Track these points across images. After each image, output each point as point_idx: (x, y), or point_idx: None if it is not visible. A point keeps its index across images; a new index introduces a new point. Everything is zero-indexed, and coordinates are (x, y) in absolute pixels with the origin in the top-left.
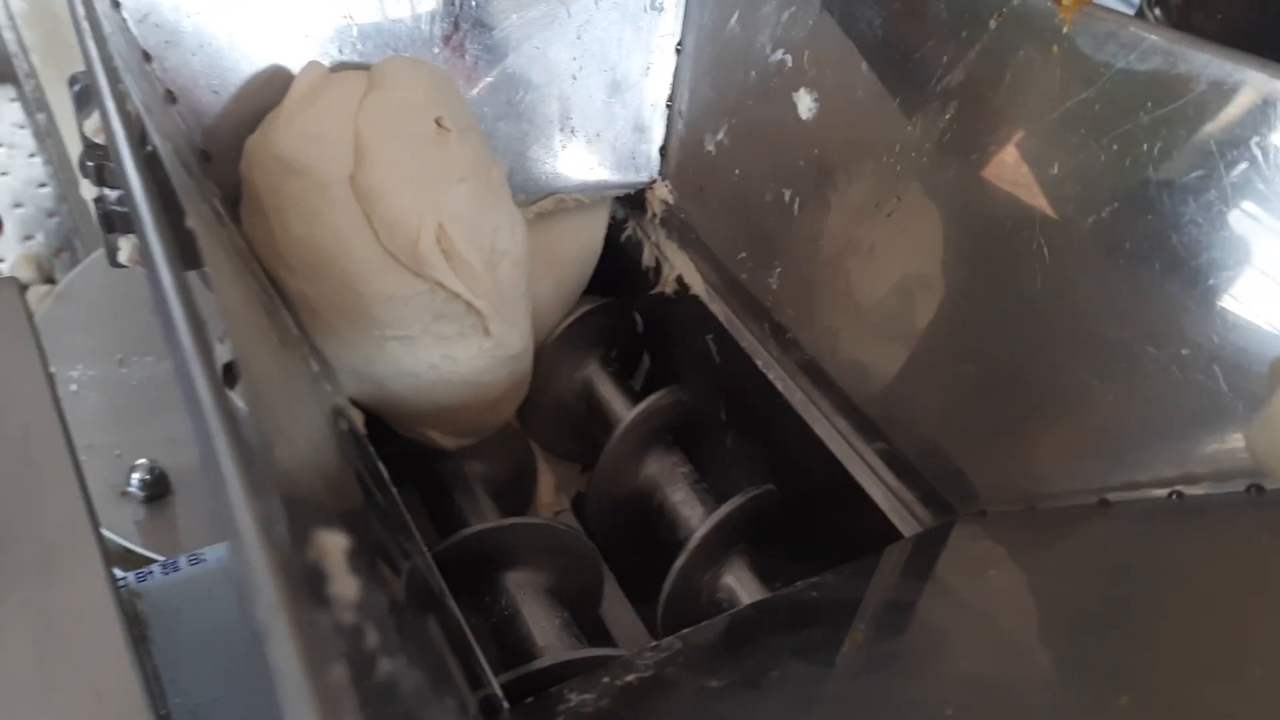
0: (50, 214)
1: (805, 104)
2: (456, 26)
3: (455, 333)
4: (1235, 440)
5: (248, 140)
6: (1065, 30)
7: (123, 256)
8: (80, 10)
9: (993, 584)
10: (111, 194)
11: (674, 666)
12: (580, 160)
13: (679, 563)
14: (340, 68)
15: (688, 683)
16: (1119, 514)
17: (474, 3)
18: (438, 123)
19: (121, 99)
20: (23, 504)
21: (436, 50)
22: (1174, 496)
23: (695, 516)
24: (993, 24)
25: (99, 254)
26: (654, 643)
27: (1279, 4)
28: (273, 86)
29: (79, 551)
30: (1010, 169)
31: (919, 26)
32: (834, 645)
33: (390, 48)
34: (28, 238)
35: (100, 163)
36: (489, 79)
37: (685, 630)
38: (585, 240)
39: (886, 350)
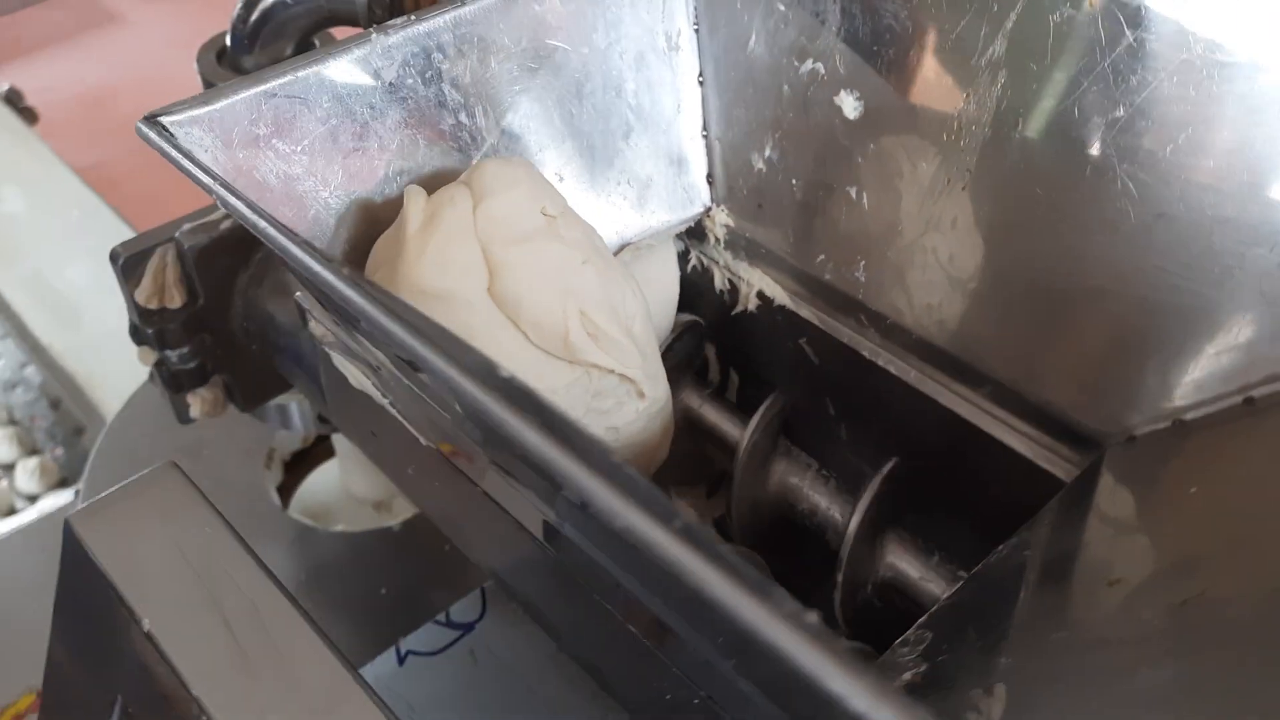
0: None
1: (849, 105)
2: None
3: (614, 404)
4: None
5: (375, 279)
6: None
7: (194, 412)
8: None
9: (1185, 500)
10: (174, 355)
11: (946, 657)
12: (640, 208)
13: (845, 552)
14: (431, 180)
15: (973, 669)
16: (1264, 406)
17: (512, 95)
18: (544, 213)
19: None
20: (286, 678)
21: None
22: None
23: (837, 508)
24: None
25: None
26: (902, 638)
27: None
28: (358, 221)
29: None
30: (1076, 123)
31: (946, 7)
32: (1094, 599)
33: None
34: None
35: (160, 327)
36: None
37: (922, 620)
38: (665, 281)
39: (992, 309)
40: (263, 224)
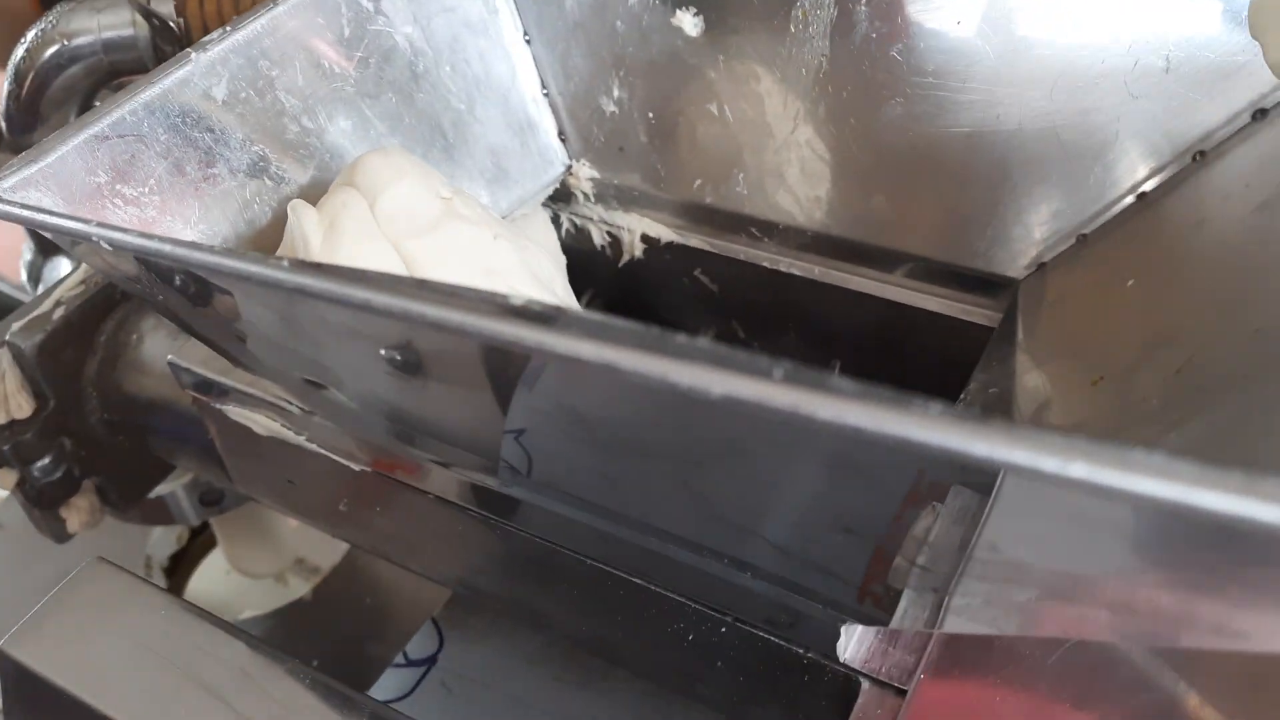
0: None
1: (689, 23)
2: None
3: None
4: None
5: None
6: None
7: (72, 526)
8: None
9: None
10: (35, 469)
11: None
12: (501, 180)
13: None
14: (296, 193)
15: None
16: (1157, 197)
17: (350, 89)
18: (440, 196)
19: None
20: None
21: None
22: (1198, 155)
23: None
24: None
25: None
26: None
27: None
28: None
29: None
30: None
31: None
32: (1085, 402)
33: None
34: None
35: (13, 442)
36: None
37: None
38: (549, 248)
39: (878, 183)
40: (168, 247)
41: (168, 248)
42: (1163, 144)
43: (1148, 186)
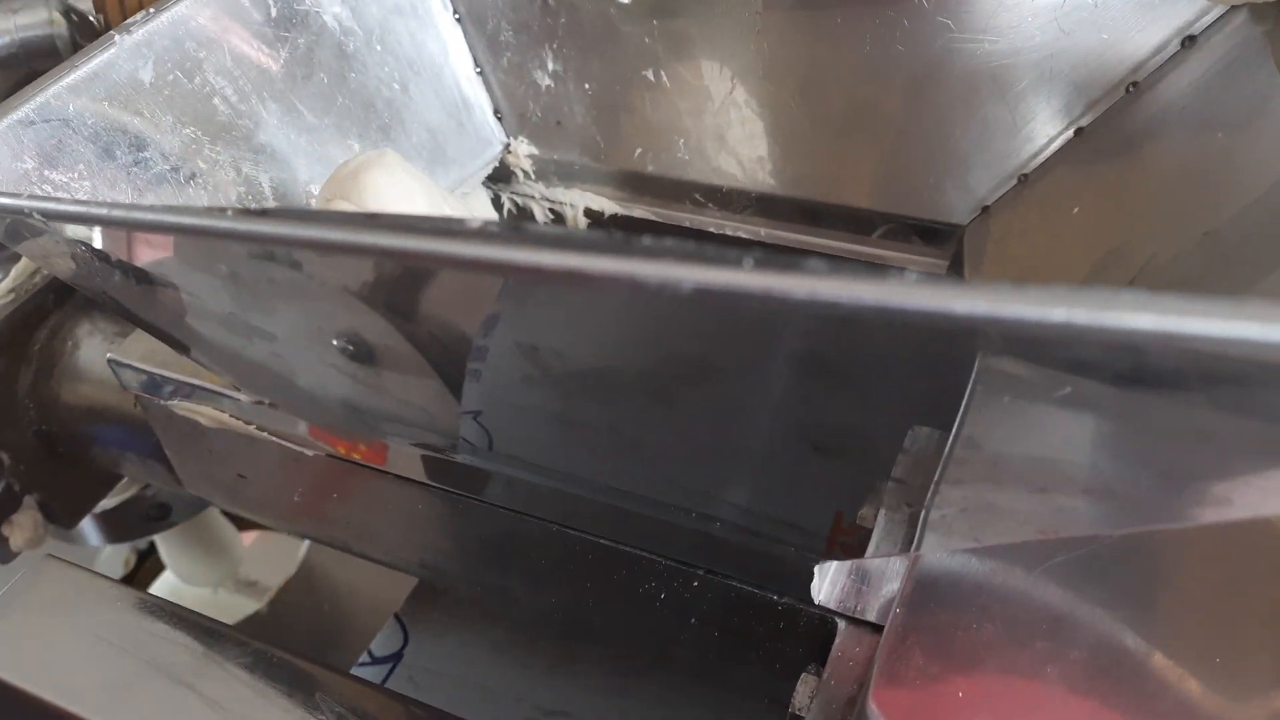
0: None
1: None
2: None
3: None
4: (1156, 21)
5: None
6: None
7: (16, 543)
8: None
9: (1073, 219)
10: None
11: None
12: (439, 160)
13: None
14: (226, 176)
15: None
16: (1095, 130)
17: (280, 70)
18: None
19: None
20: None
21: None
22: (1131, 87)
23: None
24: None
25: None
26: None
27: None
28: None
29: None
30: None
31: None
32: None
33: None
34: None
35: None
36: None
37: None
38: None
39: (818, 141)
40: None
41: (105, 211)
42: (1096, 78)
43: (1084, 122)
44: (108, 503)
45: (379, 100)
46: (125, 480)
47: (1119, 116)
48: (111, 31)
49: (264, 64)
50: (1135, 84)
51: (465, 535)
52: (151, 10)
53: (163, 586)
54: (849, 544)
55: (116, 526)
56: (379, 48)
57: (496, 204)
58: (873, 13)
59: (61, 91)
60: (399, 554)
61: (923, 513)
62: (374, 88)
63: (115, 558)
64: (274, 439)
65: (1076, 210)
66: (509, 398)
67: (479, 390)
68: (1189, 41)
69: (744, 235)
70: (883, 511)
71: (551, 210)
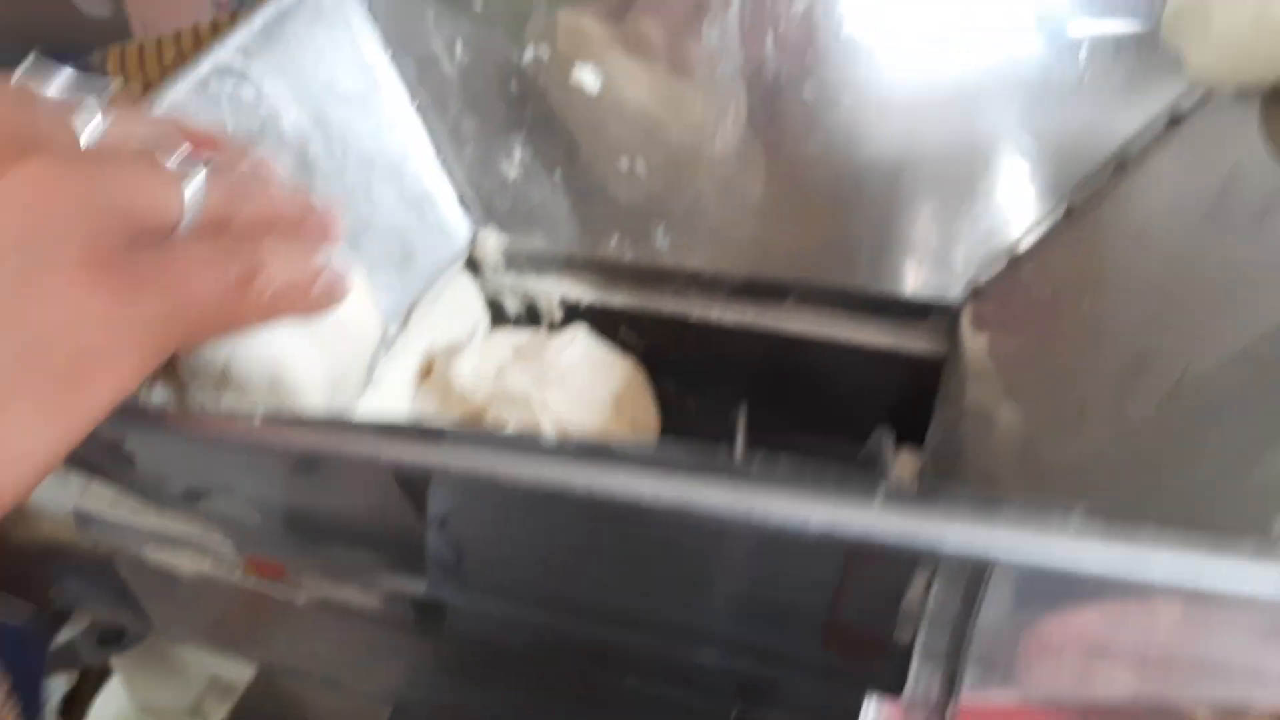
0: None
1: (589, 79)
2: None
3: None
4: (1139, 102)
5: None
6: None
7: None
8: None
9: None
10: None
11: None
12: (409, 260)
13: None
14: None
15: None
16: (1085, 209)
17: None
18: None
19: None
20: None
21: None
22: (1118, 166)
23: None
24: None
25: None
26: None
27: None
28: None
29: None
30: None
31: None
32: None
33: None
34: None
35: None
36: None
37: None
38: (460, 314)
39: (805, 222)
40: None
41: None
42: (1084, 156)
43: (1074, 200)
44: (65, 633)
45: (344, 208)
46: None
47: (1109, 196)
48: None
49: None
50: (1123, 163)
51: (439, 667)
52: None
53: (109, 698)
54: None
55: (73, 655)
56: (340, 150)
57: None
58: (852, 94)
59: None
60: (378, 688)
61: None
62: (341, 195)
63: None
64: (242, 580)
65: (1073, 294)
66: (475, 545)
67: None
68: (1176, 121)
69: (729, 321)
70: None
71: (524, 301)
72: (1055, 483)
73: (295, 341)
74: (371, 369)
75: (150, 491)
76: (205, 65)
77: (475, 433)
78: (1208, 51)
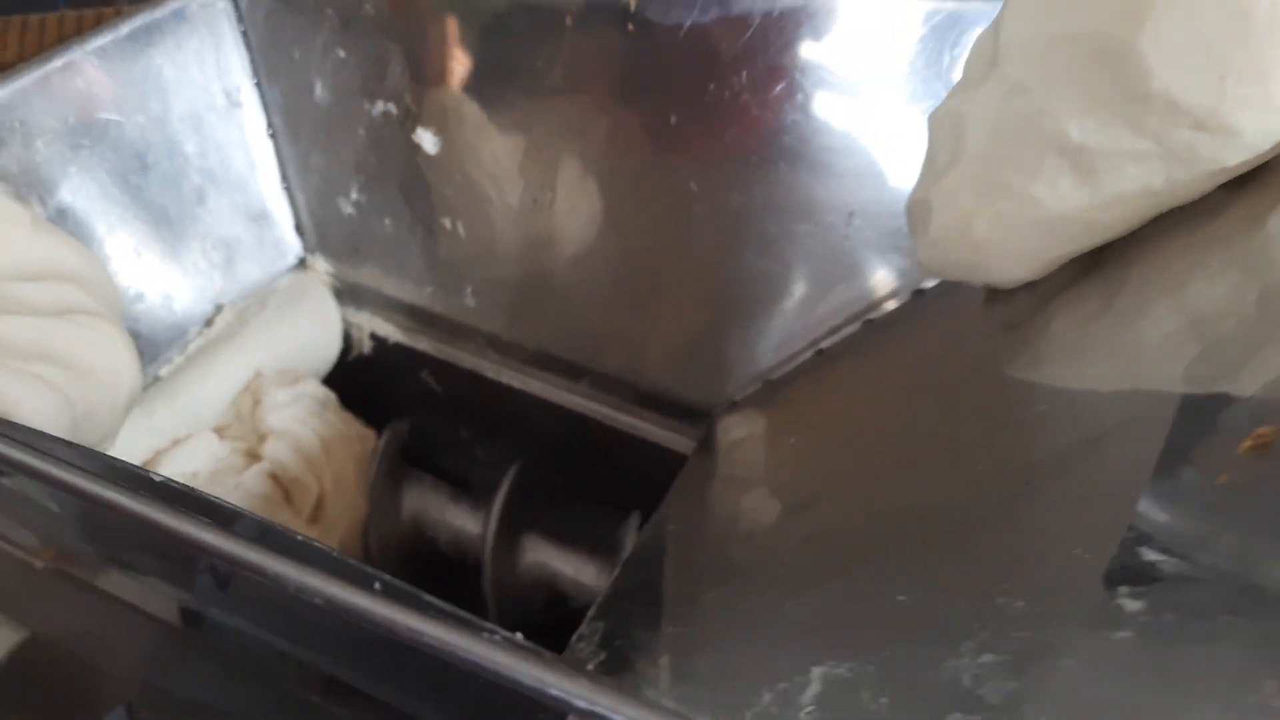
0: None
1: (429, 141)
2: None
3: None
4: (891, 267)
5: None
6: (633, 8)
7: None
8: None
9: (789, 450)
10: None
11: (620, 641)
12: (230, 269)
13: (487, 572)
14: None
15: (643, 647)
16: (832, 355)
17: (73, 171)
18: None
19: None
20: None
21: None
22: (867, 323)
23: (475, 524)
24: (569, 22)
25: None
26: (578, 633)
27: None
28: None
29: None
30: (639, 133)
31: (507, 42)
32: (734, 553)
33: None
34: None
35: None
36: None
37: (591, 612)
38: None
39: (592, 312)
40: None
41: None
42: (840, 305)
43: (825, 344)
44: None
45: (172, 212)
46: None
47: (854, 348)
48: None
49: (52, 172)
50: (870, 320)
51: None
52: None
53: None
54: None
55: None
56: (181, 159)
57: None
58: (660, 208)
59: None
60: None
61: None
62: (168, 199)
63: None
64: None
65: (794, 440)
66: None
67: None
68: (918, 294)
69: (516, 385)
70: None
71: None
72: (700, 604)
73: (20, 385)
74: (126, 412)
75: None
76: (57, 61)
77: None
78: (926, 247)
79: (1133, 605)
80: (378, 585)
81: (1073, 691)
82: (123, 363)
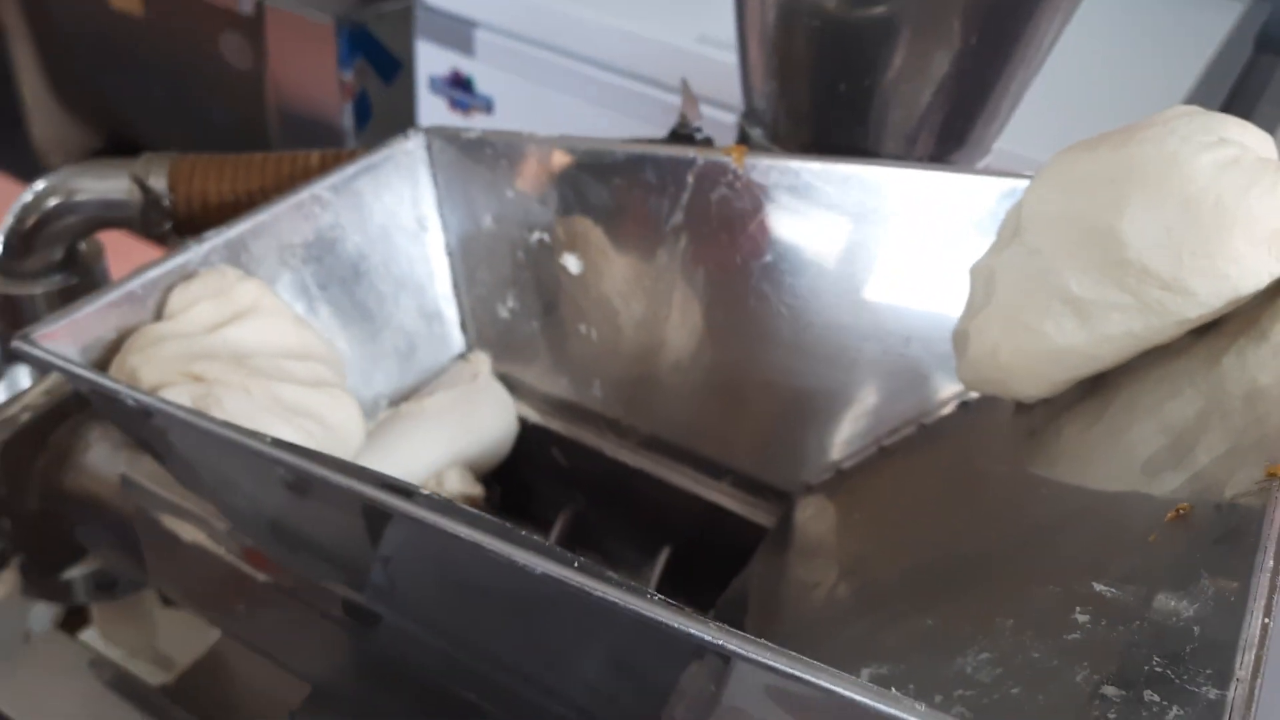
0: None
1: (573, 264)
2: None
3: None
4: (942, 382)
5: None
6: (740, 170)
7: None
8: None
9: (852, 523)
10: None
11: None
12: (409, 357)
13: None
14: None
15: None
16: (891, 450)
17: (309, 280)
18: None
19: None
20: None
21: None
22: (921, 426)
23: None
24: (690, 178)
25: None
26: None
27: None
28: None
29: None
30: (739, 267)
31: (640, 190)
32: (805, 601)
33: None
34: None
35: None
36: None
37: None
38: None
39: (697, 405)
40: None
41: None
42: (900, 411)
43: (887, 441)
44: (76, 570)
45: (374, 308)
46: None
47: (910, 446)
48: (189, 241)
49: (295, 275)
50: (924, 424)
51: (357, 663)
52: (223, 229)
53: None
54: None
55: (71, 591)
56: (382, 268)
57: None
58: (754, 325)
59: (146, 283)
60: (301, 665)
61: None
62: (372, 297)
63: (44, 612)
64: (230, 559)
65: (857, 516)
66: (406, 577)
67: (387, 554)
68: (964, 406)
69: (631, 464)
70: None
71: None
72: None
73: (293, 433)
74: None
75: (179, 472)
76: (304, 193)
77: (429, 498)
78: (965, 368)
79: (1082, 618)
80: (576, 564)
81: (1036, 669)
82: (354, 424)
